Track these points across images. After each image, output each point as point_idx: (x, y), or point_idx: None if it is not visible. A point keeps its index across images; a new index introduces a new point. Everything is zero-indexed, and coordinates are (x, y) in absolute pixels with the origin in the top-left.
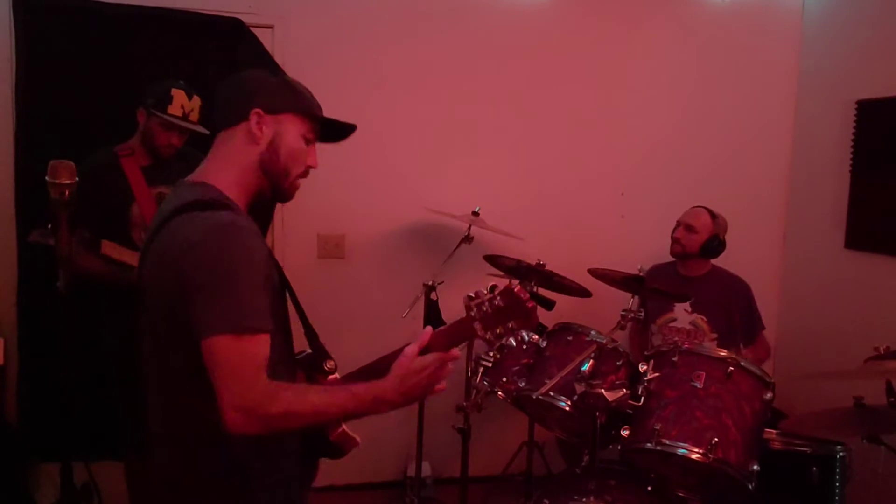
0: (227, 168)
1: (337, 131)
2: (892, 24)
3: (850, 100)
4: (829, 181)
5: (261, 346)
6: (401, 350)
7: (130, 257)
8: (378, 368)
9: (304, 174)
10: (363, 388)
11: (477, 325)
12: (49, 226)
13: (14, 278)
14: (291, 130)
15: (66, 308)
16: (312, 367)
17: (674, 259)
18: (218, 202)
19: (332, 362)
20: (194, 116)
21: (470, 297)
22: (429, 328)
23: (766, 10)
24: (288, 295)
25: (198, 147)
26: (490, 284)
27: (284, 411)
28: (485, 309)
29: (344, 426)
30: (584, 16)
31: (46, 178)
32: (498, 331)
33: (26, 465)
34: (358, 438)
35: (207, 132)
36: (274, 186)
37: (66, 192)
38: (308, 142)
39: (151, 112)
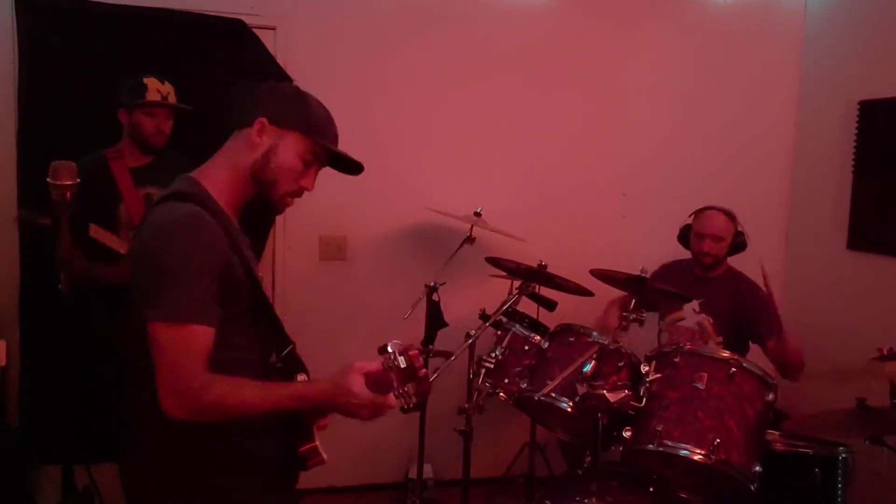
0: (224, 168)
1: (349, 165)
2: (894, 25)
3: (852, 100)
4: (832, 182)
5: (197, 336)
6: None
7: (118, 243)
8: None
9: (297, 193)
10: (295, 390)
11: (392, 375)
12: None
13: (16, 280)
14: (290, 147)
15: (68, 310)
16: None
17: (691, 258)
18: (193, 196)
19: (303, 377)
20: (172, 99)
21: (381, 351)
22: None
23: (768, 10)
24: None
25: (195, 150)
26: (392, 349)
27: (216, 402)
28: (392, 365)
29: (317, 442)
30: (585, 17)
31: (48, 179)
32: (406, 388)
33: (27, 467)
34: (325, 457)
35: (191, 109)
36: (262, 195)
37: (68, 194)
38: (307, 163)
39: (132, 104)
